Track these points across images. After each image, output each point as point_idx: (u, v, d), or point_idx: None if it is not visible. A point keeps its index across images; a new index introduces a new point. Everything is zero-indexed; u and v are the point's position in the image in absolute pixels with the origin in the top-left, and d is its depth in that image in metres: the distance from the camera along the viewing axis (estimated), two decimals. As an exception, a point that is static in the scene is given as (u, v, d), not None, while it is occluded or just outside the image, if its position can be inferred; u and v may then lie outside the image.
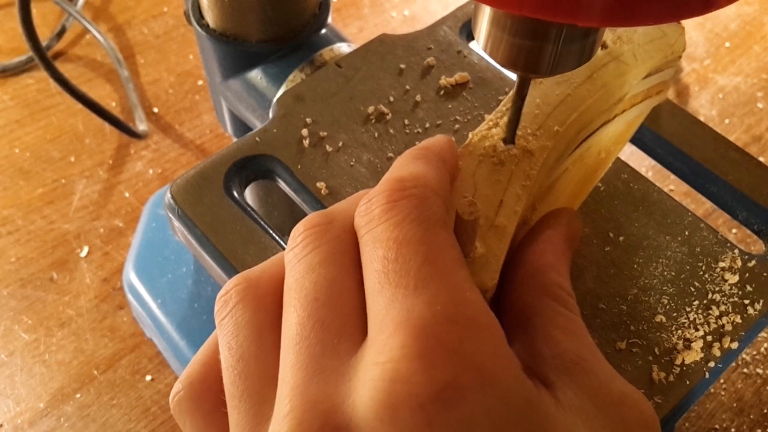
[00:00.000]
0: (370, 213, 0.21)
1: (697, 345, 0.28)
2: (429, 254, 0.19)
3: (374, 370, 0.18)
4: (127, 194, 0.61)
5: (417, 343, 0.18)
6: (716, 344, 0.28)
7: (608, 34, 0.32)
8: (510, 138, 0.27)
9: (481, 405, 0.18)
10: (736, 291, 0.30)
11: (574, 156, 0.31)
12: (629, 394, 0.21)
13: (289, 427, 0.18)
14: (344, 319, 0.20)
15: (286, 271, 0.22)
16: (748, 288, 0.30)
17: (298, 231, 0.22)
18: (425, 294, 0.19)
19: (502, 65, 0.24)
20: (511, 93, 0.27)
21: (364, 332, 0.20)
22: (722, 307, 0.29)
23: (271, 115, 0.35)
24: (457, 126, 0.34)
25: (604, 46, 0.31)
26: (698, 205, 0.60)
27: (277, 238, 0.30)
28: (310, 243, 0.21)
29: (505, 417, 0.18)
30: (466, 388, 0.17)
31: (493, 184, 0.26)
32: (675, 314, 0.29)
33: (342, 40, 0.42)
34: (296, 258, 0.21)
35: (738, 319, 0.29)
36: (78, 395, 0.50)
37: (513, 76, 0.37)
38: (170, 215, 0.32)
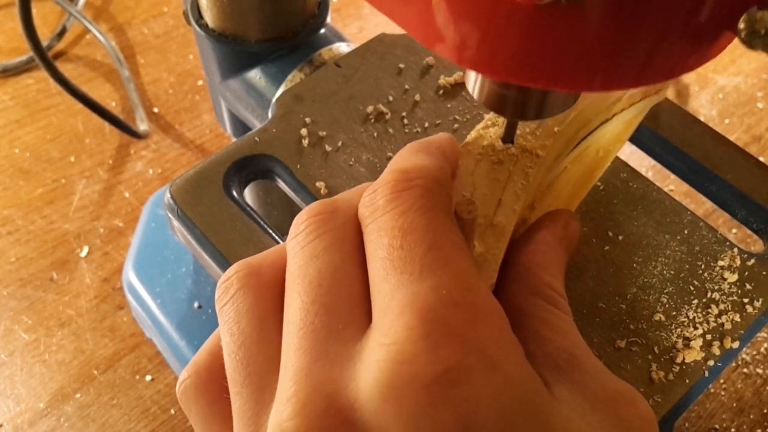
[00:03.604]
0: (374, 203, 0.21)
1: (697, 344, 0.28)
2: (434, 242, 0.20)
3: (379, 352, 0.18)
4: (127, 194, 0.61)
5: (422, 325, 0.18)
6: (716, 343, 0.28)
7: None
8: (509, 137, 0.27)
9: (486, 387, 0.18)
10: (735, 290, 0.30)
11: (573, 155, 0.31)
12: (624, 391, 0.21)
13: (293, 409, 0.18)
14: (349, 306, 0.20)
15: (289, 258, 0.22)
16: (748, 287, 0.30)
17: (302, 219, 0.22)
18: (430, 280, 0.19)
19: (490, 110, 0.24)
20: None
21: (368, 319, 0.20)
22: (721, 306, 0.29)
23: (270, 114, 0.35)
24: (456, 126, 0.34)
25: None
26: (698, 204, 0.60)
27: (276, 237, 0.30)
28: (314, 230, 0.21)
29: (509, 401, 0.18)
30: (472, 370, 0.17)
31: (491, 183, 0.26)
32: (674, 313, 0.29)
33: (341, 39, 0.42)
34: (299, 245, 0.21)
35: (737, 318, 0.29)
36: (78, 395, 0.50)
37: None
38: (170, 215, 0.32)
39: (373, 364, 0.18)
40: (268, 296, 0.22)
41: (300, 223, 0.22)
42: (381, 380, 0.17)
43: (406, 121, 0.34)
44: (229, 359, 0.21)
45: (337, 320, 0.20)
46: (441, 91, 0.36)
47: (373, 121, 0.34)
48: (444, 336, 0.18)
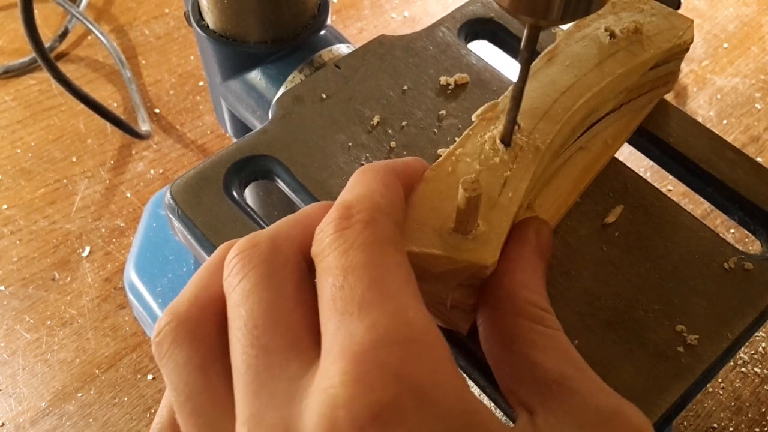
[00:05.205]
0: (321, 243, 0.21)
1: (694, 343, 0.28)
2: (374, 279, 0.20)
3: (318, 396, 0.18)
4: (128, 194, 0.61)
5: (356, 367, 0.18)
6: (714, 343, 0.28)
7: (617, 25, 0.32)
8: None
9: (420, 426, 0.18)
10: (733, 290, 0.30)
11: (579, 142, 0.32)
12: (616, 409, 0.21)
13: None
14: (288, 343, 0.20)
15: (226, 299, 0.22)
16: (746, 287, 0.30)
17: (230, 257, 0.22)
18: (368, 319, 0.19)
19: (512, 12, 0.23)
20: (511, 88, 0.27)
21: (315, 348, 0.20)
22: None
23: (270, 115, 0.35)
24: (458, 126, 0.35)
25: (613, 36, 0.32)
26: (696, 205, 0.60)
27: (276, 237, 0.31)
28: (241, 270, 0.21)
29: None
30: (405, 409, 0.18)
31: (497, 166, 0.27)
32: (672, 313, 0.29)
33: (341, 41, 0.42)
34: (230, 287, 0.22)
35: (735, 318, 0.29)
36: (80, 394, 0.50)
37: (511, 75, 0.37)
38: (170, 215, 0.32)
39: (314, 408, 0.18)
40: (205, 341, 0.22)
41: (228, 263, 0.22)
42: (321, 425, 0.18)
43: (405, 122, 0.35)
44: (179, 413, 0.21)
45: (278, 360, 0.20)
46: (440, 92, 0.36)
47: (372, 122, 0.35)
48: (378, 377, 0.18)
